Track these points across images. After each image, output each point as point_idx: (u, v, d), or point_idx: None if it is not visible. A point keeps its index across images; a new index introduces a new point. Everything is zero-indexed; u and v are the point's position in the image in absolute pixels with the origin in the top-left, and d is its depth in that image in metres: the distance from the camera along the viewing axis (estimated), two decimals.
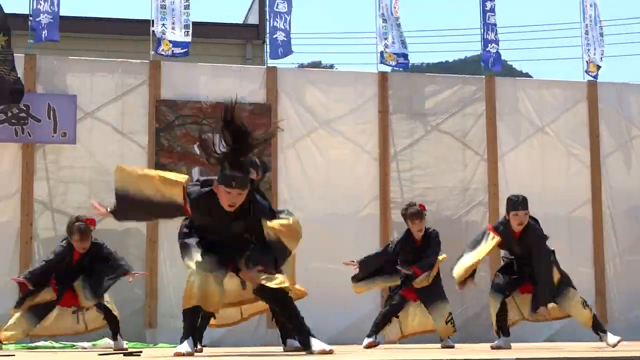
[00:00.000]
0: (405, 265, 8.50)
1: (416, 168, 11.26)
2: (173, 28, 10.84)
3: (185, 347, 6.01)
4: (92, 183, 10.36)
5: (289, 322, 5.96)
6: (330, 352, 5.58)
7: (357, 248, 10.66)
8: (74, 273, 8.06)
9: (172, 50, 10.88)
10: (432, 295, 8.65)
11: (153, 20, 10.88)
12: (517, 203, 7.90)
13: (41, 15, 10.55)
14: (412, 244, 8.69)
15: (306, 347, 5.78)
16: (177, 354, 6.01)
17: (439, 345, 8.82)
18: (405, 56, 11.64)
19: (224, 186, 5.58)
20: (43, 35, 10.50)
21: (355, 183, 11.06)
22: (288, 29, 11.31)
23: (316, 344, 5.70)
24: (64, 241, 8.15)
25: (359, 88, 11.36)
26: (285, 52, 11.25)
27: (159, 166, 10.49)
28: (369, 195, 11.07)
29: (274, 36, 11.28)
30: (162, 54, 10.82)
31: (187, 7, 10.96)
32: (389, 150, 11.21)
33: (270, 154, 10.77)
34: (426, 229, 8.67)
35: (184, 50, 10.89)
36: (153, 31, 10.84)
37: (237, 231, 5.85)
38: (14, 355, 6.39)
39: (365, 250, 10.75)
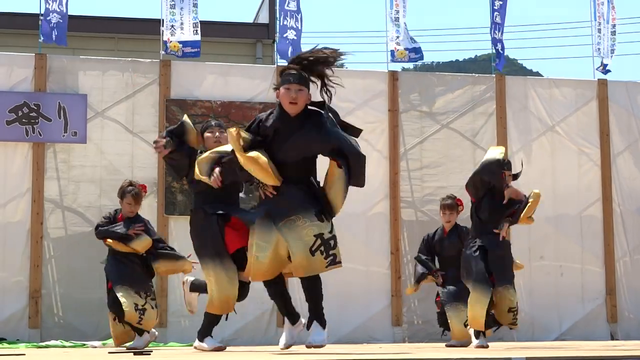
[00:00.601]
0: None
1: (426, 167, 11.24)
2: (182, 28, 10.85)
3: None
4: (103, 182, 10.39)
5: (309, 299, 5.76)
6: (320, 346, 5.51)
7: (367, 247, 10.70)
8: None
9: (183, 51, 10.88)
10: (453, 297, 8.72)
11: (163, 20, 10.90)
12: (502, 164, 7.93)
13: (51, 14, 10.56)
14: (441, 234, 9.11)
15: (307, 327, 5.69)
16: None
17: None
18: (417, 50, 11.59)
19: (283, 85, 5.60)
20: (53, 35, 10.51)
21: (366, 182, 11.01)
22: (300, 27, 11.29)
23: (313, 333, 5.57)
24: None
25: (369, 87, 11.35)
26: (295, 52, 11.21)
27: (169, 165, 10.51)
28: (379, 194, 11.05)
29: (284, 35, 11.27)
30: (174, 54, 10.84)
31: (195, 5, 10.96)
32: (399, 149, 11.20)
33: None
34: (457, 225, 8.83)
35: (195, 50, 10.87)
36: (163, 31, 10.86)
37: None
38: (24, 354, 6.41)
39: (376, 248, 10.80)
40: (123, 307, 7.98)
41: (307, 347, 5.56)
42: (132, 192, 8.42)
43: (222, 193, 6.88)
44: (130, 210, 8.37)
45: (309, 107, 5.68)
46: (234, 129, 5.68)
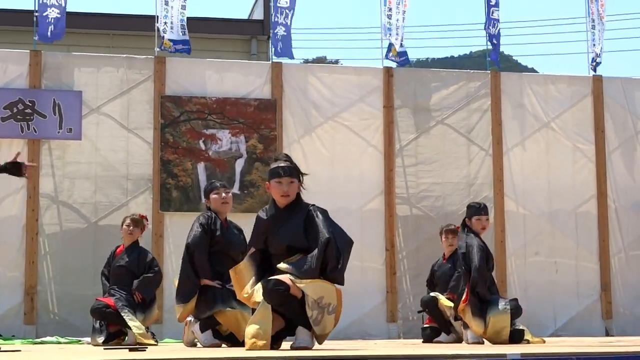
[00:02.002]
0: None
1: (421, 163, 11.25)
2: (172, 27, 10.85)
3: None
4: (98, 178, 10.39)
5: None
6: (307, 348, 5.52)
7: (362, 243, 10.68)
8: None
9: (174, 48, 10.88)
10: None
11: (158, 16, 10.90)
12: (480, 209, 8.14)
13: (48, 9, 10.54)
14: (440, 260, 9.21)
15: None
16: None
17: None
18: (402, 54, 11.61)
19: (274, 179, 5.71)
20: (49, 31, 10.49)
21: (361, 178, 11.07)
22: (289, 24, 11.29)
23: (300, 335, 5.59)
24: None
25: (364, 83, 11.35)
26: (284, 49, 11.21)
27: (164, 162, 10.52)
28: (374, 190, 11.06)
29: (275, 31, 11.29)
30: (167, 51, 10.85)
31: (184, 7, 10.95)
32: (394, 145, 11.20)
33: (276, 149, 10.77)
34: (455, 250, 8.87)
35: (185, 47, 10.88)
36: (158, 27, 10.85)
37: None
38: (19, 350, 6.40)
39: (371, 244, 10.79)
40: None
41: (293, 349, 5.56)
42: (131, 216, 8.48)
43: None
44: (130, 232, 8.37)
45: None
46: (246, 295, 5.71)
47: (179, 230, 9.76)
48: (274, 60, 11.29)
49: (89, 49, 12.71)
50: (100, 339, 8.05)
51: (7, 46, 11.82)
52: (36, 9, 10.58)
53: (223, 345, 7.12)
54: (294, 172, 5.78)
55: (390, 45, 11.54)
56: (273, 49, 11.35)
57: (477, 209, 8.18)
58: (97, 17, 15.61)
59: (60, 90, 10.46)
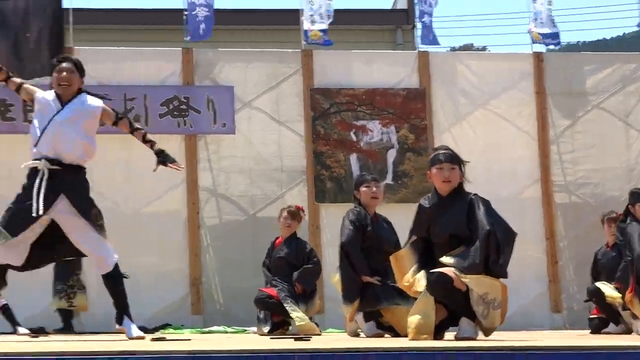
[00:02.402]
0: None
1: (578, 150, 10.95)
2: (321, 17, 10.91)
3: None
4: (253, 172, 10.52)
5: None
6: (471, 339, 5.42)
7: (519, 231, 10.40)
8: None
9: (323, 39, 10.94)
10: None
11: (302, 10, 10.97)
12: None
13: (197, 8, 10.77)
14: (604, 249, 9.05)
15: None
16: None
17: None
18: (555, 36, 11.31)
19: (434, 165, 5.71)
20: (201, 29, 10.70)
21: (515, 166, 10.85)
22: (433, 12, 11.21)
23: (463, 325, 5.53)
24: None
25: (513, 69, 11.13)
26: (430, 37, 11.12)
27: (316, 154, 10.57)
28: (529, 178, 10.84)
29: (422, 20, 11.22)
30: (314, 43, 10.90)
31: None
32: (548, 131, 10.94)
33: (427, 138, 10.68)
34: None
35: (326, 39, 10.94)
36: (302, 21, 10.93)
37: None
38: (189, 339, 6.55)
39: (528, 233, 10.53)
40: None
41: (457, 339, 5.50)
42: (288, 209, 8.63)
43: None
44: (287, 225, 8.52)
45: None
46: (407, 284, 5.72)
47: (334, 221, 9.70)
48: (420, 50, 11.20)
49: (236, 44, 12.91)
50: (266, 329, 8.18)
51: (159, 44, 12.12)
52: (185, 7, 10.81)
53: (386, 335, 7.11)
54: (454, 159, 5.72)
55: (537, 26, 11.25)
56: (420, 39, 11.28)
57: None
58: (243, 14, 15.90)
59: (212, 86, 10.65)
